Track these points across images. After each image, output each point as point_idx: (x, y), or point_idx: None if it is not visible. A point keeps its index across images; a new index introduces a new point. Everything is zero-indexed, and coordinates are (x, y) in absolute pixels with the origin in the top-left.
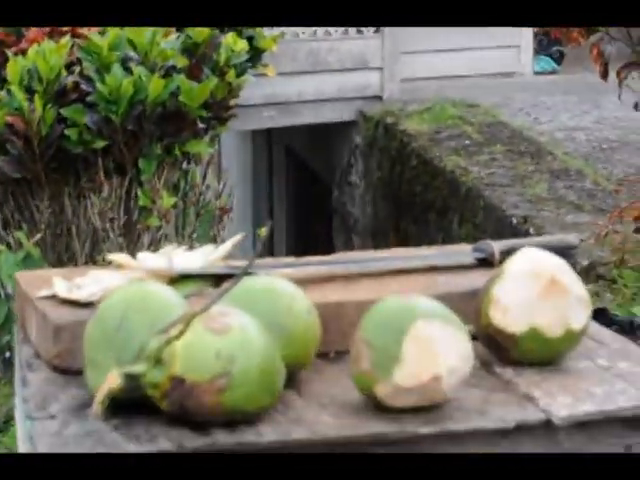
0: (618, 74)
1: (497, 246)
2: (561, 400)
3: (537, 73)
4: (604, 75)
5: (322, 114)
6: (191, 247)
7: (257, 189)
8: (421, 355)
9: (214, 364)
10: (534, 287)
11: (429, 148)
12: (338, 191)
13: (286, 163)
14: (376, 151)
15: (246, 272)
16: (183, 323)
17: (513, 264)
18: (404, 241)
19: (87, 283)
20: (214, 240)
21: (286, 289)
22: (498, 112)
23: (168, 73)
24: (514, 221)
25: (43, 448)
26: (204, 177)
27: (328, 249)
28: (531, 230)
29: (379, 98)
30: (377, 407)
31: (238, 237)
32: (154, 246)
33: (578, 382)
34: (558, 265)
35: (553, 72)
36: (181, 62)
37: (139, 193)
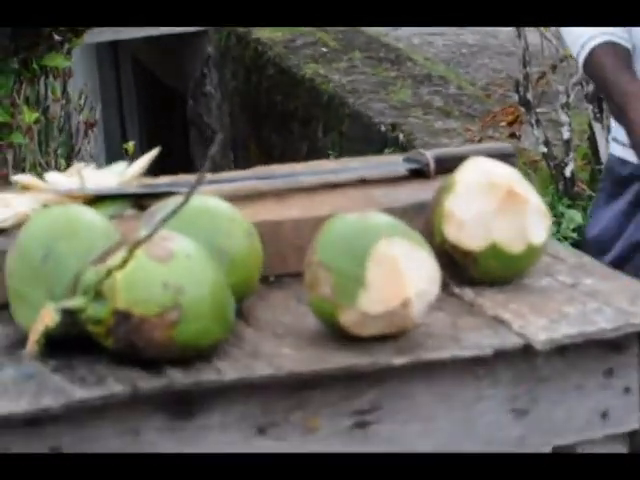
0: None
1: (431, 155)
2: (535, 322)
3: None
4: None
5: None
6: (67, 164)
7: (106, 105)
8: (387, 278)
9: (162, 296)
10: (491, 199)
11: (285, 56)
12: (193, 102)
13: (134, 77)
14: (230, 61)
15: (195, 188)
16: (126, 251)
17: (464, 174)
18: (267, 151)
19: None
20: (80, 155)
21: (223, 209)
22: None
23: None
24: (382, 128)
25: None
26: (63, 91)
27: (186, 163)
28: (401, 137)
29: None
30: (340, 336)
31: (154, 152)
32: (18, 164)
33: (547, 302)
34: (512, 175)
35: None
36: None
37: None
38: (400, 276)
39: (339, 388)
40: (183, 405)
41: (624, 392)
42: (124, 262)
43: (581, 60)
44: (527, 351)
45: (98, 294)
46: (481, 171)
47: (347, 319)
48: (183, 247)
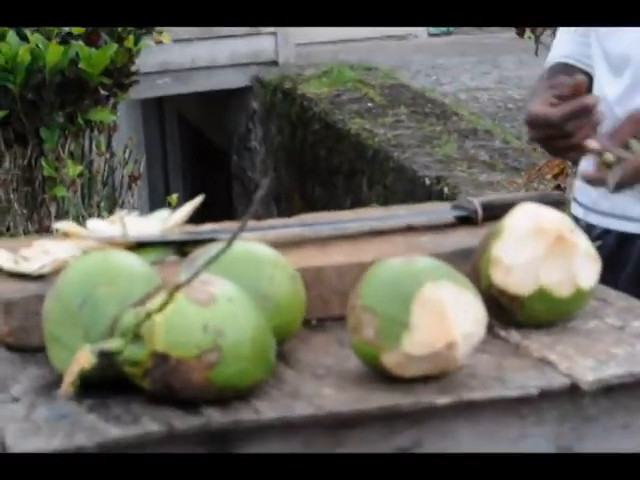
0: (533, 30)
1: (478, 202)
2: (582, 363)
3: (432, 35)
4: (521, 33)
5: (216, 80)
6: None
7: (151, 159)
8: (432, 320)
9: (202, 338)
10: (539, 245)
11: (330, 112)
12: (237, 157)
13: (179, 132)
14: (275, 116)
15: (237, 236)
16: (166, 294)
17: (513, 220)
18: (311, 205)
19: (34, 254)
20: (123, 209)
21: (267, 254)
22: (397, 74)
23: (65, 40)
24: (427, 181)
25: (12, 434)
26: (108, 145)
27: (229, 217)
28: (445, 190)
29: (275, 63)
30: (382, 377)
31: (198, 200)
32: (61, 217)
33: (594, 343)
34: (562, 220)
35: (448, 34)
36: (77, 29)
37: (43, 163)
38: (446, 318)
39: (379, 427)
40: (221, 444)
41: None
42: (163, 305)
43: None
44: (574, 391)
45: (136, 337)
46: (530, 216)
47: (390, 360)
48: (225, 291)
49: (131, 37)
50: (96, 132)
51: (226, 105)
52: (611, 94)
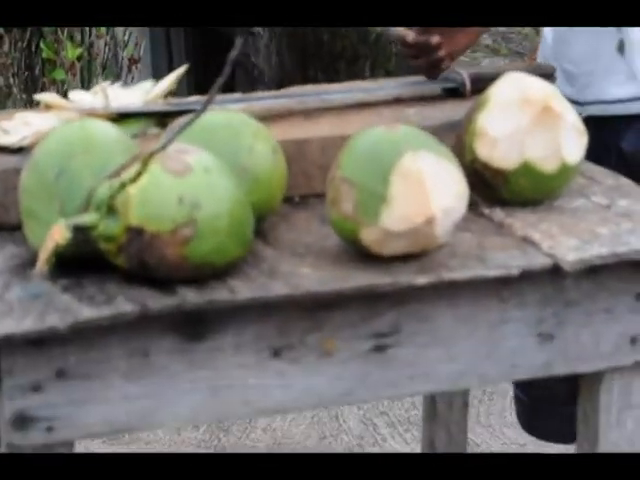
0: None
1: (467, 74)
2: (565, 242)
3: None
4: None
5: None
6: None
7: (154, 43)
8: (411, 194)
9: (177, 211)
10: (524, 116)
11: None
12: (240, 42)
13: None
14: None
15: (208, 105)
16: (139, 163)
17: (498, 91)
18: None
19: (15, 127)
20: None
21: (248, 125)
22: None
23: None
24: None
25: None
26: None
27: None
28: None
29: None
30: (362, 255)
31: (181, 69)
32: None
33: (579, 222)
34: (549, 91)
35: None
36: None
37: (42, 45)
38: (425, 192)
39: (358, 309)
40: (195, 326)
41: None
42: (137, 175)
43: None
44: (555, 272)
45: (111, 210)
46: (516, 86)
47: (369, 237)
48: (201, 161)
49: None
50: None
51: None
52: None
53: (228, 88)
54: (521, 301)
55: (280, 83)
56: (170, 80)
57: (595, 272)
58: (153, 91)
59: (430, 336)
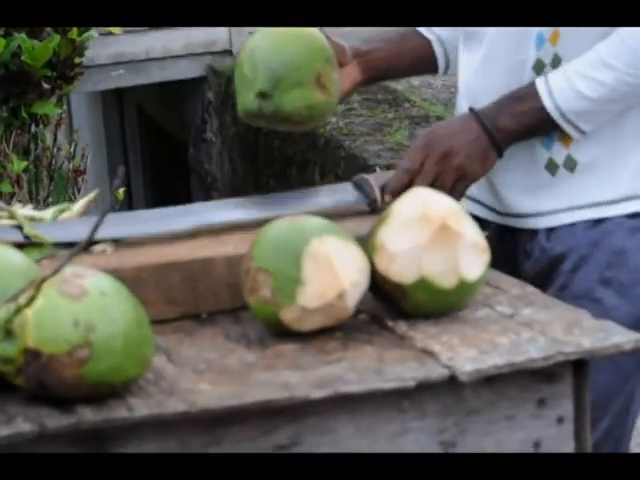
0: None
1: (377, 186)
2: (464, 353)
3: None
4: None
5: (170, 71)
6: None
7: (111, 150)
8: (323, 273)
9: (72, 333)
10: (423, 233)
11: None
12: (194, 149)
13: (138, 123)
14: (229, 107)
15: (94, 231)
16: (33, 288)
17: (401, 206)
18: None
19: None
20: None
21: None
22: None
23: (8, 33)
24: (378, 170)
25: None
26: (54, 139)
27: None
28: None
29: (229, 52)
30: (283, 333)
31: (92, 194)
32: None
33: (480, 332)
34: (450, 208)
35: None
36: None
37: None
38: (334, 270)
39: (256, 424)
40: (95, 444)
41: (557, 422)
42: (31, 299)
43: None
44: (453, 383)
45: (9, 333)
46: (418, 203)
47: (288, 316)
48: (98, 284)
49: (75, 29)
50: (41, 126)
51: (182, 96)
52: (468, 68)
53: (185, 194)
54: (421, 412)
55: (233, 189)
56: (81, 204)
57: (495, 381)
58: (67, 213)
59: (331, 447)
